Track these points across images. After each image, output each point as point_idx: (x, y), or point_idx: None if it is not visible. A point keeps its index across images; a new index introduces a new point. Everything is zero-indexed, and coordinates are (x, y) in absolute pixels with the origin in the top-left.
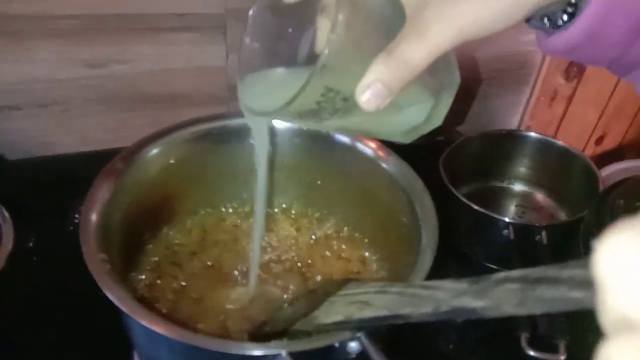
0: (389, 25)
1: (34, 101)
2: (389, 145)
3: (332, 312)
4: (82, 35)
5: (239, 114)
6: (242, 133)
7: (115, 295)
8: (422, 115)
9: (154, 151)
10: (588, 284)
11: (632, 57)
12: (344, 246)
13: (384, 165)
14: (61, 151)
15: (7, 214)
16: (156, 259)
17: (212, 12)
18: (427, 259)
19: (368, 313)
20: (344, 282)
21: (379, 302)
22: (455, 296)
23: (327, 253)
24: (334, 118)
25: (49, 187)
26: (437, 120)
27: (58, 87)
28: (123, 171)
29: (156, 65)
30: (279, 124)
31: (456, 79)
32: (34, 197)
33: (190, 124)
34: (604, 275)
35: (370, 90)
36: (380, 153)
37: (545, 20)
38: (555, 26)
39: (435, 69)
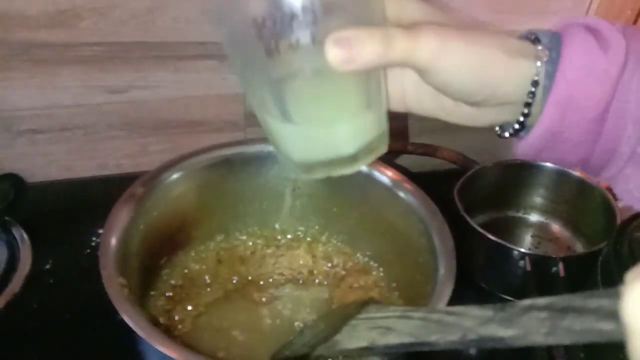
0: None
1: (57, 125)
2: (405, 173)
3: (354, 336)
4: (105, 62)
5: (256, 141)
6: (259, 160)
7: (132, 320)
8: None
9: (173, 177)
10: (615, 315)
11: (598, 157)
12: (359, 275)
13: (400, 194)
14: (81, 175)
15: (25, 236)
16: (173, 282)
17: None
18: (445, 291)
19: (393, 339)
20: (363, 304)
21: (403, 327)
22: (481, 324)
23: (343, 282)
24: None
25: (67, 210)
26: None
27: (80, 112)
28: (143, 196)
29: (176, 92)
30: None
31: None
32: (52, 220)
33: (209, 151)
34: (633, 321)
35: (342, 43)
36: (397, 181)
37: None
38: (514, 131)
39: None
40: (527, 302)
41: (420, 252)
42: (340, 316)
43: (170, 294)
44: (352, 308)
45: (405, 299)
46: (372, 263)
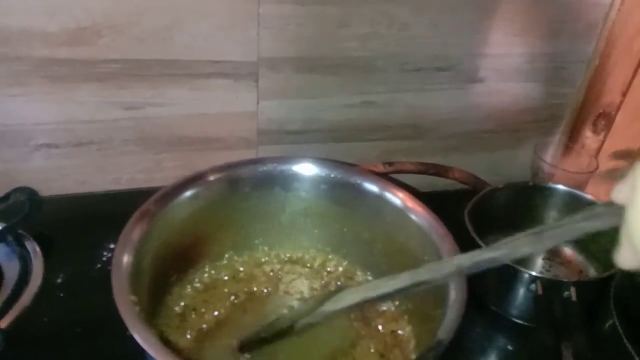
0: None
1: (73, 140)
2: (416, 193)
3: (342, 300)
4: (122, 79)
5: (267, 160)
6: (271, 179)
7: (142, 338)
8: None
9: (186, 194)
10: (601, 215)
11: None
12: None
13: (412, 216)
14: (95, 189)
15: (38, 249)
16: (183, 300)
17: (246, 60)
18: (455, 314)
19: (386, 289)
20: (343, 287)
21: (394, 280)
22: (473, 257)
23: None
24: None
25: (80, 224)
26: None
27: (96, 127)
28: (156, 213)
29: (191, 109)
30: (305, 170)
31: None
32: (65, 234)
33: (222, 169)
34: None
35: None
36: (409, 204)
37: None
38: None
39: None
40: (511, 237)
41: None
42: (321, 297)
43: (181, 310)
44: (332, 291)
45: (415, 323)
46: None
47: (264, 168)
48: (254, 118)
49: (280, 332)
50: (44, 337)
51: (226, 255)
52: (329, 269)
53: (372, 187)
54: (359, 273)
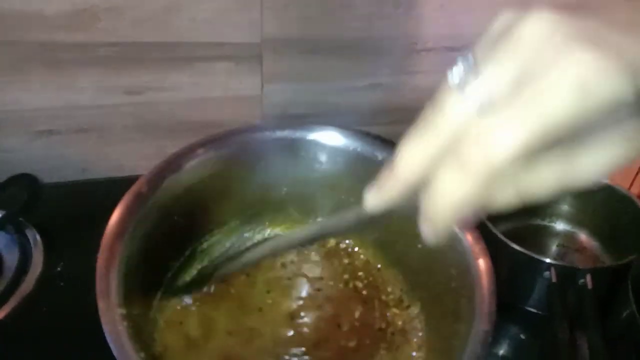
0: None
1: (73, 126)
2: None
3: (257, 250)
4: (121, 63)
5: (270, 127)
6: (275, 146)
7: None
8: None
9: (184, 168)
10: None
11: None
12: (377, 278)
13: None
14: (97, 176)
15: (38, 237)
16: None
17: (249, 42)
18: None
19: (299, 235)
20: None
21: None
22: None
23: (358, 284)
24: None
25: (81, 211)
26: None
27: (97, 113)
28: (149, 195)
29: (193, 94)
30: (324, 139)
31: None
32: (66, 222)
33: (219, 139)
34: None
35: None
36: None
37: None
38: None
39: None
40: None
41: (448, 258)
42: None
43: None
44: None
45: (427, 313)
46: (393, 267)
47: (270, 136)
48: (257, 102)
49: (203, 278)
50: (44, 326)
51: (232, 230)
52: (338, 247)
53: (388, 157)
54: (369, 250)
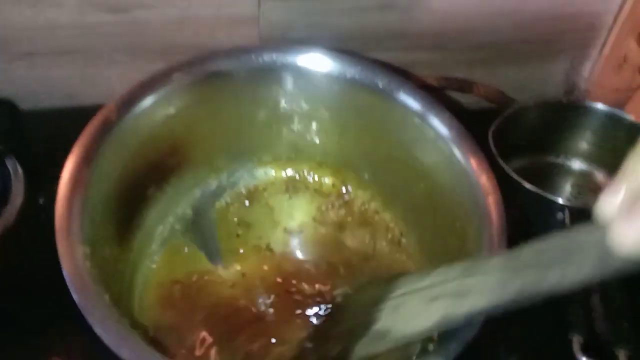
0: None
1: (56, 48)
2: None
3: (408, 317)
4: None
5: (265, 49)
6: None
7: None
8: None
9: (156, 97)
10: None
11: None
12: (376, 218)
13: (432, 122)
14: (84, 103)
15: (19, 168)
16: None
17: None
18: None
19: (475, 302)
20: (392, 279)
21: (481, 285)
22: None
23: (357, 227)
24: None
25: (67, 140)
26: None
27: (80, 33)
28: (118, 122)
29: (183, 12)
30: (316, 65)
31: None
32: (49, 151)
33: (202, 62)
34: None
35: None
36: (428, 109)
37: None
38: None
39: None
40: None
41: (453, 198)
42: (366, 300)
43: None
44: (380, 287)
45: (426, 256)
46: (392, 207)
47: (260, 60)
48: (254, 22)
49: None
50: (24, 260)
51: (215, 169)
52: (333, 184)
53: (386, 86)
54: (367, 189)
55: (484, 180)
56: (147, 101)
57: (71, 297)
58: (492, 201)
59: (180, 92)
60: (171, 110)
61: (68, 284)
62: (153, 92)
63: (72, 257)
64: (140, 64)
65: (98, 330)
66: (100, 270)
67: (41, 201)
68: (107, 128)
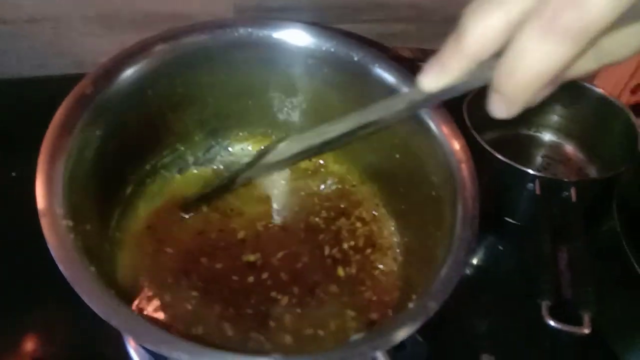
0: None
1: (23, 16)
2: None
3: (284, 150)
4: None
5: (240, 23)
6: (245, 47)
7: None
8: None
9: (134, 70)
10: None
11: None
12: (357, 195)
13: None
14: (54, 73)
15: None
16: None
17: None
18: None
19: (332, 134)
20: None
21: (340, 124)
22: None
23: (337, 202)
24: None
25: (38, 111)
26: None
27: (49, 1)
28: (95, 97)
29: None
30: (292, 39)
31: None
32: (20, 122)
33: (181, 35)
34: None
35: None
36: (402, 81)
37: None
38: None
39: None
40: None
41: (431, 171)
42: (262, 150)
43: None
44: (274, 142)
45: (408, 230)
46: (371, 183)
47: (237, 34)
48: None
49: (220, 188)
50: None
51: (194, 144)
52: (314, 162)
53: (366, 62)
54: (345, 165)
55: (457, 148)
56: (124, 75)
57: (49, 273)
58: (465, 167)
59: (156, 66)
60: (146, 84)
61: (54, 256)
62: (129, 66)
63: (56, 231)
64: (113, 35)
65: (86, 299)
66: (84, 244)
67: (14, 174)
68: (83, 102)
